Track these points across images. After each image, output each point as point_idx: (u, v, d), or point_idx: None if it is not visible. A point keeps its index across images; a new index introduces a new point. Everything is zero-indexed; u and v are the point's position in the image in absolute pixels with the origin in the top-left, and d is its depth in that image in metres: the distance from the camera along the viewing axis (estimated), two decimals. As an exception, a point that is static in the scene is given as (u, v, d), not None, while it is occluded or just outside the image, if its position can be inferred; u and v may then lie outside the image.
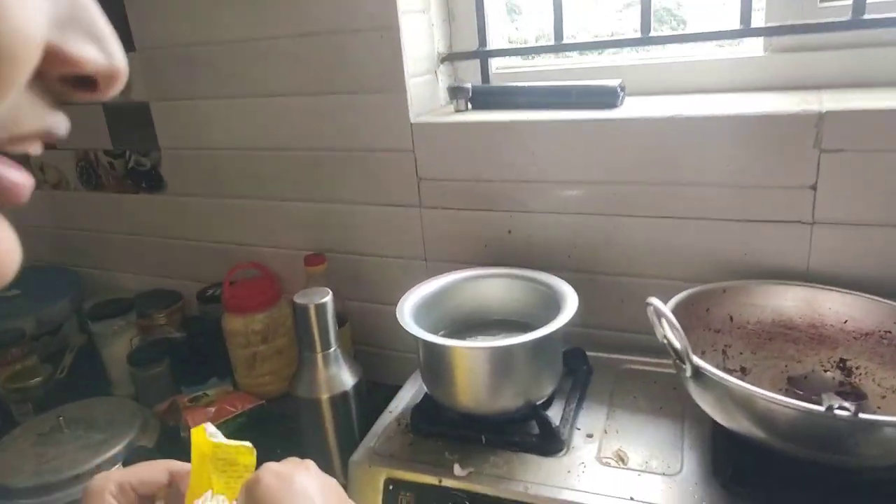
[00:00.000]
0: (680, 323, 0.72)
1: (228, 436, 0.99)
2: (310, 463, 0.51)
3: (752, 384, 0.60)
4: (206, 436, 0.50)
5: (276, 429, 1.01)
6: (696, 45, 0.94)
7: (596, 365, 0.88)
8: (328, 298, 0.84)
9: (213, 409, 1.01)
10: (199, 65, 1.05)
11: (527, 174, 0.90)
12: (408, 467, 0.72)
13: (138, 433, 0.99)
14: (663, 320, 0.65)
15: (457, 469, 0.70)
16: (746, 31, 0.85)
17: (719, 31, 0.88)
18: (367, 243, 1.04)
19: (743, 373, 0.78)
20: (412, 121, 0.93)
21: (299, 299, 0.83)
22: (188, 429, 0.98)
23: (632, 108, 0.87)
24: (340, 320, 1.04)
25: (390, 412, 0.83)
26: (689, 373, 0.64)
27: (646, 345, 0.86)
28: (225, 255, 1.16)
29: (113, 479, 0.47)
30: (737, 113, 0.78)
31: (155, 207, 1.20)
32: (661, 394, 0.81)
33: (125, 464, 0.92)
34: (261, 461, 0.93)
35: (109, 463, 0.93)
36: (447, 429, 0.76)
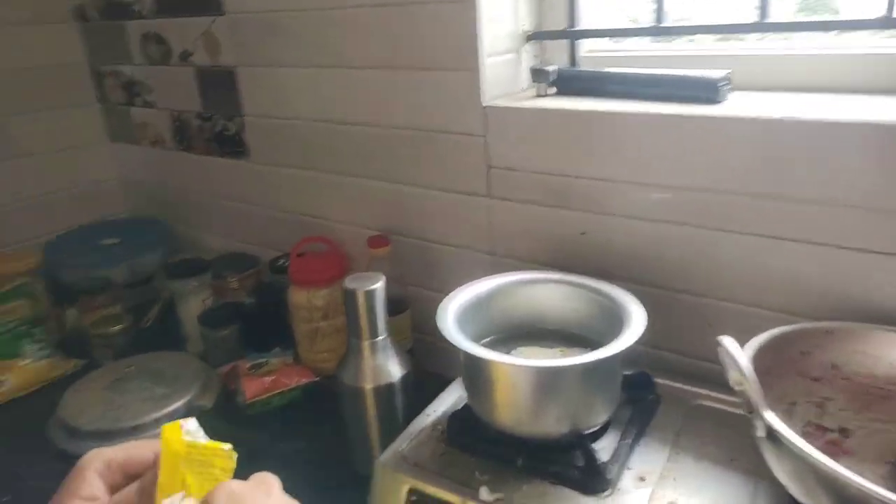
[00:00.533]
0: (768, 366, 0.62)
1: (281, 407, 1.00)
2: (274, 483, 0.47)
3: (853, 453, 0.48)
4: (182, 434, 0.46)
5: (326, 408, 1.00)
6: (824, 36, 0.79)
7: (664, 395, 0.78)
8: (379, 285, 0.80)
9: (269, 380, 1.01)
10: (283, 31, 1.03)
11: (609, 172, 0.80)
12: (434, 481, 0.67)
13: (199, 392, 1.01)
14: (736, 366, 0.55)
15: (483, 493, 0.64)
16: (891, 20, 0.70)
17: (852, 21, 0.73)
18: (434, 230, 0.98)
19: (843, 434, 0.65)
20: (484, 104, 0.86)
21: (349, 283, 0.80)
22: (244, 395, 0.99)
23: (739, 104, 0.75)
24: (401, 306, 1.01)
25: (427, 415, 0.78)
26: (760, 432, 0.54)
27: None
28: (298, 226, 1.16)
29: (102, 457, 0.45)
30: (877, 120, 0.64)
31: (237, 172, 1.22)
32: (736, 442, 0.70)
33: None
34: (308, 439, 0.93)
35: (167, 418, 0.95)
36: (483, 444, 0.70)
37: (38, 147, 1.33)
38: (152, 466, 0.46)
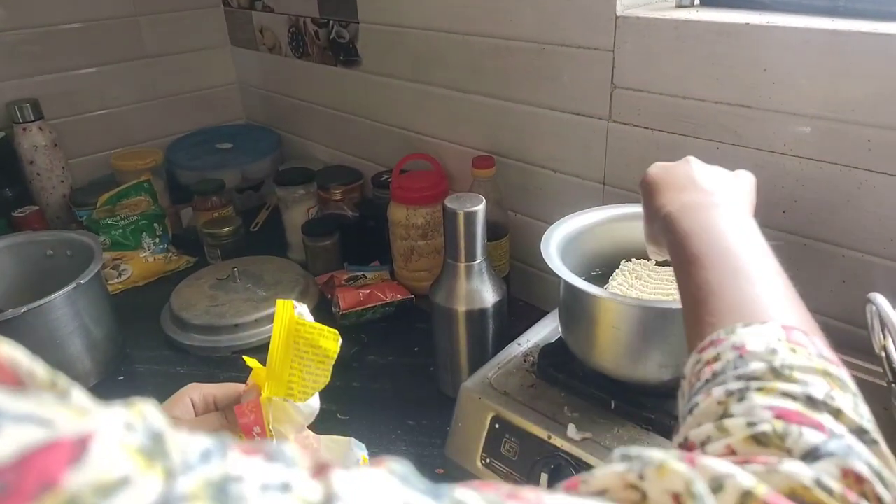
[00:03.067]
0: (917, 332, 0.53)
1: (373, 321, 1.00)
2: (691, 158, 0.52)
3: None
4: (293, 311, 0.46)
5: (417, 326, 1.00)
6: None
7: (784, 352, 0.70)
8: (479, 207, 0.76)
9: (364, 293, 1.01)
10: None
11: (752, 97, 0.70)
12: (519, 412, 0.65)
13: (297, 298, 1.03)
14: (886, 329, 0.47)
15: (571, 430, 0.61)
16: None
17: None
18: (542, 153, 0.92)
19: None
20: (619, 13, 0.77)
21: (450, 203, 0.76)
22: (339, 305, 1.00)
23: (930, 21, 0.62)
24: (500, 231, 0.97)
25: (519, 345, 0.75)
26: (905, 407, 0.46)
27: (861, 344, 0.66)
28: (403, 141, 1.13)
29: (200, 388, 0.50)
30: None
31: (349, 82, 1.19)
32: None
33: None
34: (397, 355, 0.94)
35: (266, 319, 0.99)
36: (575, 381, 0.66)
37: (164, 48, 1.36)
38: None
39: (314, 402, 0.48)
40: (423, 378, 0.89)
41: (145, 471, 0.17)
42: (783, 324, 0.33)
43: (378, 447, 0.77)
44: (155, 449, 0.17)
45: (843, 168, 0.67)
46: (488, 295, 0.80)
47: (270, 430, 0.45)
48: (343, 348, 0.91)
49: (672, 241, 0.44)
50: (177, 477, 0.17)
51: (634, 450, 0.25)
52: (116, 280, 1.12)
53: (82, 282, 0.85)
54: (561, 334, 0.70)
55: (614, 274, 0.70)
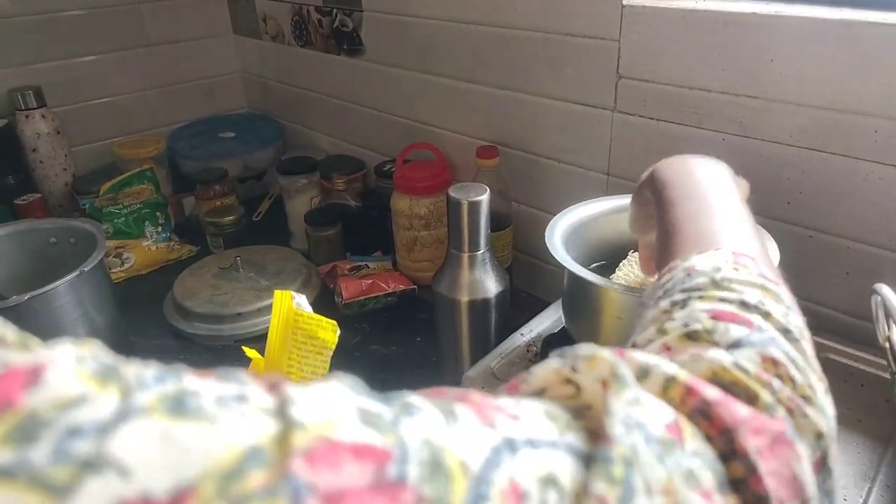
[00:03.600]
0: (921, 324, 0.53)
1: (376, 310, 1.00)
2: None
3: None
4: (292, 301, 0.46)
5: (420, 316, 1.00)
6: None
7: (788, 344, 0.70)
8: (483, 197, 0.76)
9: (367, 282, 1.01)
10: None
11: (759, 87, 0.70)
12: (522, 401, 0.64)
13: (299, 288, 1.03)
14: (891, 320, 0.47)
15: (574, 420, 0.61)
16: None
17: None
18: (546, 143, 0.92)
19: None
20: (624, 2, 0.76)
21: (454, 193, 0.76)
22: (341, 295, 1.00)
23: (939, 12, 0.62)
24: (503, 222, 0.97)
25: (522, 335, 0.75)
26: (909, 398, 0.46)
27: (864, 336, 0.66)
28: (407, 131, 1.12)
29: None
30: None
31: (352, 71, 1.19)
32: (868, 403, 0.62)
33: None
34: (400, 344, 0.94)
35: (269, 309, 0.99)
36: (577, 372, 0.66)
37: (166, 36, 1.36)
38: None
39: None
40: (426, 368, 0.89)
41: (101, 390, 0.17)
42: (734, 250, 0.35)
43: (380, 436, 0.77)
44: (108, 374, 0.18)
45: (848, 159, 0.67)
46: (491, 285, 0.80)
47: None
48: (345, 338, 0.92)
49: (653, 188, 0.47)
50: (133, 393, 0.18)
51: (568, 348, 0.26)
52: (119, 268, 1.12)
53: (85, 269, 0.85)
54: (564, 324, 0.70)
55: (621, 264, 0.70)
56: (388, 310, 1.02)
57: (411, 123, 1.12)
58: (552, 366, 0.26)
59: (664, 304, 0.33)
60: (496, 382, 0.67)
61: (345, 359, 0.91)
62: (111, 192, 1.14)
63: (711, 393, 0.25)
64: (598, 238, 0.73)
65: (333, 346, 0.46)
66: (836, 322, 0.73)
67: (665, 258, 0.39)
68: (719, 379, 0.27)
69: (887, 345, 0.49)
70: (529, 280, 1.03)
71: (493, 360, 0.71)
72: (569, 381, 0.25)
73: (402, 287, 1.02)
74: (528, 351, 0.72)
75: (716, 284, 0.32)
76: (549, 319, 0.78)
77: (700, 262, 0.34)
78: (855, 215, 0.68)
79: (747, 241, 0.37)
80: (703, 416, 0.25)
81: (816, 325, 0.73)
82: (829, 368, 0.66)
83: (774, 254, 0.62)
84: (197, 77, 1.43)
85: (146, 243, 1.16)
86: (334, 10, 1.16)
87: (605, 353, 0.25)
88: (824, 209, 0.70)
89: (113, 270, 1.10)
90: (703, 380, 0.26)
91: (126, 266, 1.12)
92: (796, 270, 0.74)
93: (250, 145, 1.36)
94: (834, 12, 0.64)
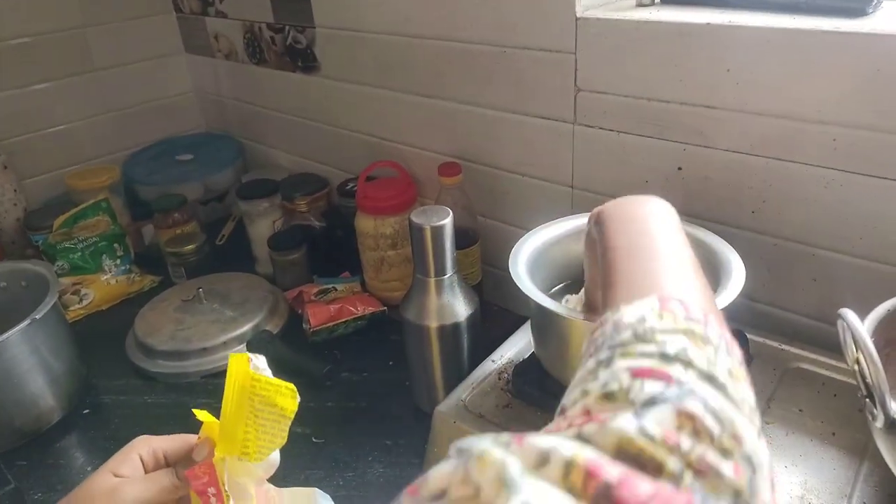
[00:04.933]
0: (888, 336, 0.53)
1: (346, 335, 0.98)
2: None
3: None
4: (249, 366, 0.44)
5: (391, 338, 0.98)
6: None
7: (758, 354, 0.69)
8: (447, 221, 0.74)
9: (335, 307, 0.99)
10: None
11: (717, 97, 0.69)
12: (496, 433, 0.63)
13: (266, 317, 1.01)
14: (857, 345, 0.46)
15: (548, 452, 0.60)
16: None
17: None
18: (509, 158, 0.90)
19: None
20: (578, 14, 0.75)
21: (416, 218, 0.74)
22: (309, 321, 0.98)
23: (893, 18, 0.61)
24: (471, 238, 0.95)
25: (493, 361, 0.73)
26: (880, 423, 0.46)
27: (833, 340, 0.66)
28: (368, 148, 1.10)
29: (149, 443, 0.48)
30: None
31: (308, 88, 1.16)
32: (841, 414, 0.62)
33: (248, 345, 0.95)
34: (371, 370, 0.92)
35: (236, 341, 0.96)
36: (550, 400, 0.65)
37: (115, 59, 1.31)
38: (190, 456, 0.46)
39: (273, 457, 0.46)
40: (399, 393, 0.87)
41: None
42: (661, 295, 0.35)
43: (355, 470, 0.76)
44: None
45: (809, 167, 0.66)
46: (461, 308, 0.78)
47: (226, 492, 0.43)
48: (316, 367, 0.90)
49: (598, 231, 0.46)
50: None
51: (466, 441, 0.25)
52: (78, 306, 1.08)
53: (37, 317, 0.82)
54: (534, 350, 0.69)
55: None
56: (359, 334, 1.00)
57: (372, 140, 1.09)
58: (447, 468, 0.25)
59: (590, 363, 0.33)
60: (468, 416, 0.66)
61: (316, 389, 0.90)
62: (65, 226, 1.10)
63: (613, 473, 0.24)
64: (565, 257, 0.72)
65: (293, 415, 0.44)
66: (805, 328, 0.73)
67: (602, 307, 0.38)
68: (624, 450, 0.26)
69: (856, 367, 0.48)
70: (501, 293, 1.02)
71: (464, 391, 0.69)
72: (466, 482, 0.24)
73: (371, 310, 1.00)
74: (499, 379, 0.70)
75: (638, 338, 0.32)
76: (521, 342, 0.76)
77: (627, 314, 0.34)
78: (818, 222, 0.68)
79: (683, 282, 0.37)
80: (606, 501, 0.23)
81: (786, 332, 0.73)
82: (802, 379, 0.66)
83: (738, 266, 0.61)
84: (150, 99, 1.39)
85: (105, 277, 1.12)
86: (286, 27, 1.13)
87: (496, 453, 0.24)
88: (788, 217, 0.70)
89: (71, 308, 1.07)
90: (608, 454, 0.26)
91: (85, 303, 1.09)
92: (763, 279, 0.74)
93: (210, 167, 1.33)
94: (787, 21, 0.63)
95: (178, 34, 1.39)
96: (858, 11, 0.61)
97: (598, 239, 0.45)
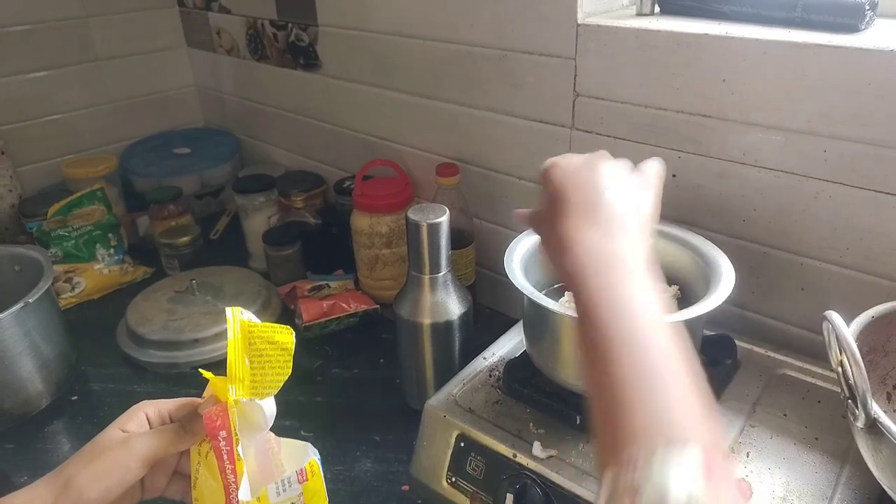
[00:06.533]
0: (871, 343, 0.54)
1: (337, 332, 0.99)
2: (599, 161, 0.50)
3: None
4: (244, 318, 0.46)
5: (383, 336, 0.98)
6: None
7: (744, 361, 0.71)
8: (443, 219, 0.75)
9: (328, 304, 1.00)
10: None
11: (712, 107, 0.70)
12: (485, 429, 0.64)
13: (259, 310, 1.01)
14: (841, 347, 0.47)
15: (536, 448, 0.61)
16: None
17: None
18: (506, 160, 0.91)
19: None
20: (579, 21, 0.76)
21: (413, 215, 0.75)
22: (301, 317, 0.98)
23: (886, 35, 0.63)
24: (466, 239, 0.96)
25: (484, 359, 0.74)
26: (861, 423, 0.47)
27: (819, 349, 0.67)
28: (366, 147, 1.11)
29: (153, 404, 0.49)
30: None
31: (309, 86, 1.17)
32: (824, 420, 0.63)
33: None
34: (363, 367, 0.92)
35: (226, 334, 0.96)
36: (540, 397, 0.66)
37: (116, 50, 1.32)
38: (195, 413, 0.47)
39: (272, 406, 0.48)
40: (388, 391, 0.87)
41: None
42: (703, 447, 0.33)
43: (343, 464, 0.76)
44: None
45: (799, 178, 0.68)
46: (454, 307, 0.79)
47: (236, 434, 0.44)
48: (307, 362, 0.90)
49: (581, 310, 0.41)
50: None
51: None
52: (70, 294, 1.08)
53: (30, 300, 0.82)
54: (526, 348, 0.70)
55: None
56: (351, 331, 1.00)
57: (370, 139, 1.10)
58: None
59: None
60: (458, 410, 0.66)
61: (306, 384, 0.90)
62: (60, 213, 1.10)
63: None
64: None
65: (293, 347, 0.47)
66: (792, 337, 0.74)
67: (616, 430, 0.35)
68: None
69: (840, 370, 0.49)
70: (493, 296, 1.03)
71: (455, 386, 0.70)
72: None
73: (364, 307, 1.01)
74: (490, 376, 0.71)
75: None
76: (512, 341, 0.77)
77: (672, 485, 0.31)
78: (807, 232, 0.69)
79: (706, 416, 0.35)
80: None
81: (774, 340, 0.74)
82: (788, 385, 0.68)
83: (728, 270, 0.62)
84: (150, 91, 1.39)
85: (98, 266, 1.12)
86: (289, 25, 1.14)
87: None
88: (778, 226, 0.71)
89: (63, 296, 1.06)
90: None
91: (77, 291, 1.08)
92: (752, 287, 0.75)
93: (206, 161, 1.33)
94: (781, 34, 0.65)
95: (180, 28, 1.39)
96: (851, 27, 0.63)
97: (580, 309, 0.41)
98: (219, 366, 0.91)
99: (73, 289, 1.09)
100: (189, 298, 1.01)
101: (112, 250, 1.14)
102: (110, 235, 1.14)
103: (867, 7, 0.62)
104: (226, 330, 0.45)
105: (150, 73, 1.38)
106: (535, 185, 0.90)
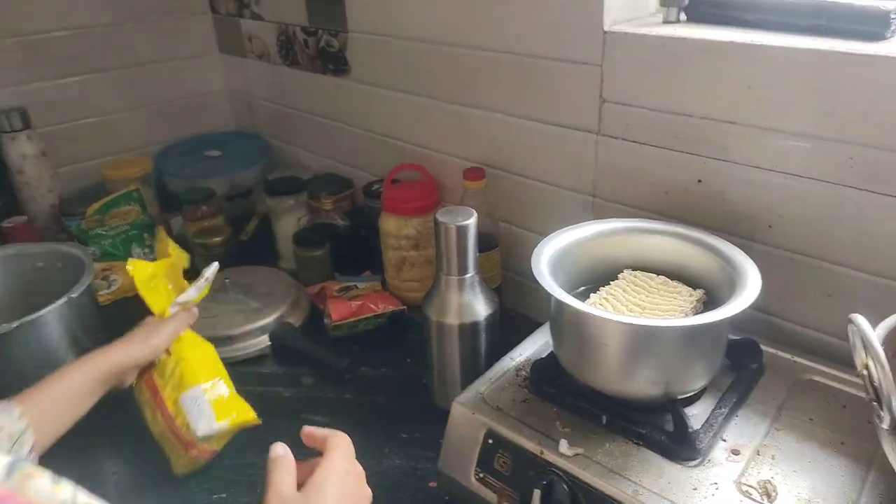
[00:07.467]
0: (898, 349, 0.54)
1: (365, 332, 1.01)
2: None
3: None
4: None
5: (409, 337, 1.00)
6: None
7: (770, 365, 0.71)
8: (471, 221, 0.77)
9: (356, 304, 1.02)
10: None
11: (739, 114, 0.71)
12: (512, 427, 0.65)
13: (288, 310, 1.04)
14: (867, 350, 0.48)
15: (563, 446, 0.62)
16: None
17: None
18: (533, 165, 0.93)
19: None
20: (606, 28, 0.78)
21: (441, 216, 0.77)
22: (330, 317, 1.01)
23: (911, 43, 0.64)
24: (491, 243, 0.97)
25: (511, 359, 0.75)
26: (886, 424, 0.48)
27: (845, 355, 0.68)
28: (394, 151, 1.13)
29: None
30: None
31: (339, 91, 1.20)
32: (849, 424, 0.64)
33: (271, 336, 0.98)
34: (390, 366, 0.94)
35: (259, 331, 0.99)
36: (567, 396, 0.67)
37: (152, 55, 1.36)
38: None
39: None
40: (415, 390, 0.89)
41: None
42: None
43: (371, 460, 0.78)
44: None
45: (826, 185, 0.68)
46: (480, 308, 0.80)
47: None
48: (336, 360, 0.92)
49: None
50: None
51: None
52: (106, 291, 1.11)
53: (73, 296, 0.85)
54: (552, 349, 0.71)
55: (608, 286, 0.71)
56: (378, 331, 1.02)
57: (399, 143, 1.13)
58: None
59: None
60: (486, 407, 0.68)
61: (335, 382, 0.92)
62: (98, 213, 1.14)
63: None
64: (588, 261, 0.74)
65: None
66: (818, 343, 0.75)
67: None
68: None
69: (865, 372, 0.50)
70: (519, 300, 1.04)
71: (482, 384, 0.71)
72: None
73: (391, 308, 1.03)
74: (517, 375, 0.73)
75: None
76: (538, 342, 0.78)
77: None
78: (834, 239, 0.70)
79: None
80: None
81: (800, 346, 0.75)
82: (814, 390, 0.68)
83: (754, 275, 0.63)
84: (183, 96, 1.43)
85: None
86: (320, 31, 1.17)
87: None
88: (804, 233, 0.72)
89: (100, 293, 1.10)
90: None
91: (113, 288, 1.12)
92: (779, 292, 0.76)
93: (237, 163, 1.37)
94: (807, 41, 0.66)
95: (213, 34, 1.43)
96: (877, 35, 0.64)
97: None
98: (251, 363, 0.94)
99: (109, 286, 1.12)
100: (222, 296, 1.04)
101: (147, 249, 1.17)
102: (145, 235, 1.17)
103: (893, 15, 0.63)
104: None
105: (184, 78, 1.42)
106: (561, 190, 0.91)
